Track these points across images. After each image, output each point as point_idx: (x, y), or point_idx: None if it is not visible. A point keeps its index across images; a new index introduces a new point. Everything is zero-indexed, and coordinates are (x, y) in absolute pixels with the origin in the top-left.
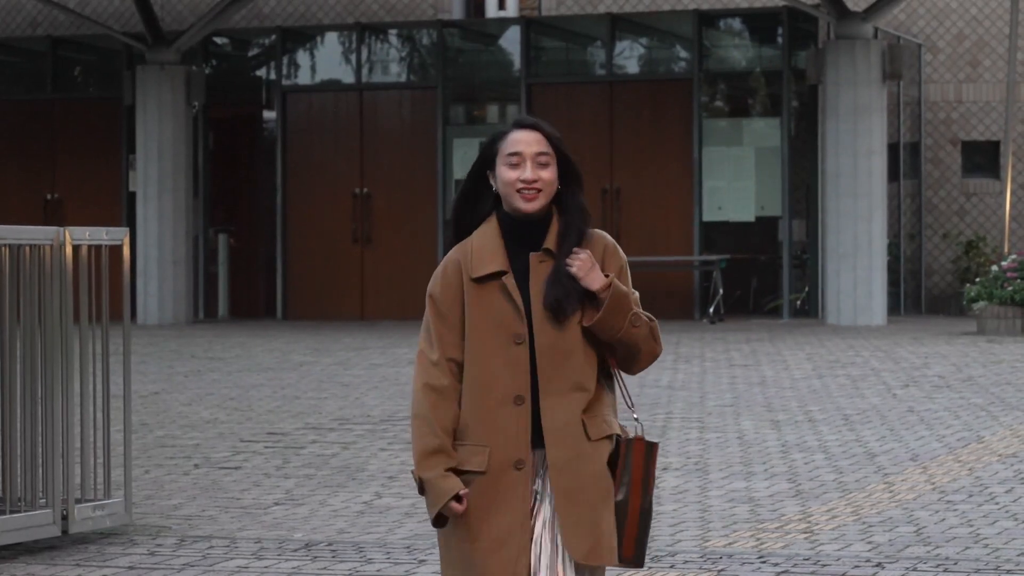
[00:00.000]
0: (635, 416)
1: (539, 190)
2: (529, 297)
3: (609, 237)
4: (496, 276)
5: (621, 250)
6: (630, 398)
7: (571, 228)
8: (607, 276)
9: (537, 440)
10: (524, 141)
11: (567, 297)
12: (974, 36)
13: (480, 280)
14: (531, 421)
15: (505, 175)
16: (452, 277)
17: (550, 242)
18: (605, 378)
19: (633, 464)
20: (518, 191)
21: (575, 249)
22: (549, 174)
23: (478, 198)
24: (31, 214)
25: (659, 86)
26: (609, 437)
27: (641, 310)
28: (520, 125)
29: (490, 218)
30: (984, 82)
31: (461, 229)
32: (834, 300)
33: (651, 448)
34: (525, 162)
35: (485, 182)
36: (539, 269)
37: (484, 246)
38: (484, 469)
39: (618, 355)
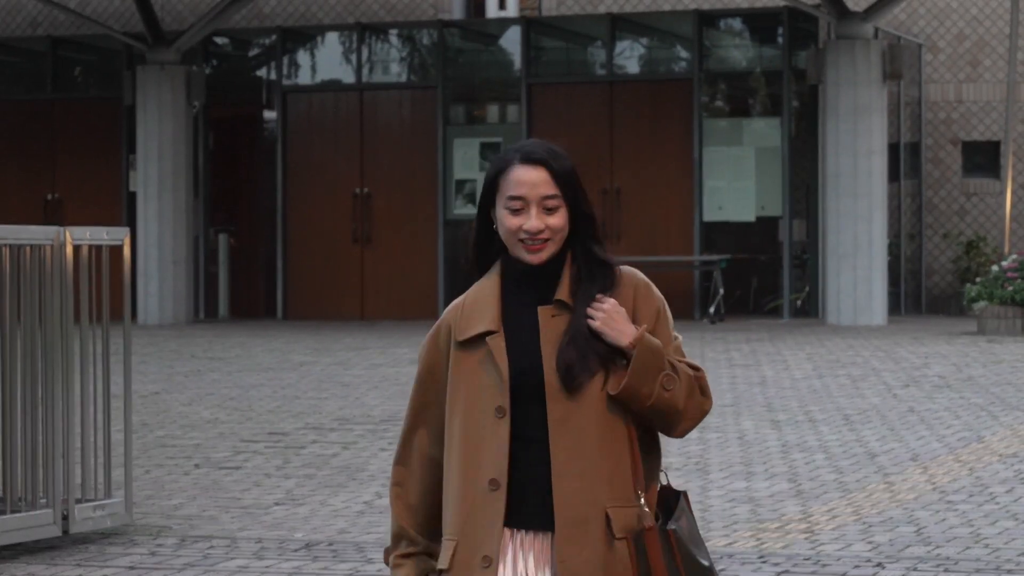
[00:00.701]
0: (640, 495)
1: (546, 239)
2: (540, 359)
3: (640, 275)
4: (483, 338)
5: (656, 289)
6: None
7: (591, 273)
8: (639, 328)
9: (547, 522)
10: (528, 182)
11: (582, 361)
12: (974, 36)
13: (466, 344)
14: (507, 508)
15: (506, 222)
16: (443, 343)
17: (563, 292)
18: (646, 447)
19: (654, 567)
20: (521, 241)
21: (598, 296)
22: (558, 220)
23: (491, 238)
24: (31, 214)
25: (659, 86)
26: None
27: (682, 362)
28: (525, 159)
29: (495, 267)
30: (984, 82)
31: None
32: (834, 300)
33: (669, 536)
34: (529, 208)
35: (489, 231)
36: (551, 325)
37: (477, 302)
38: (447, 566)
39: (655, 423)
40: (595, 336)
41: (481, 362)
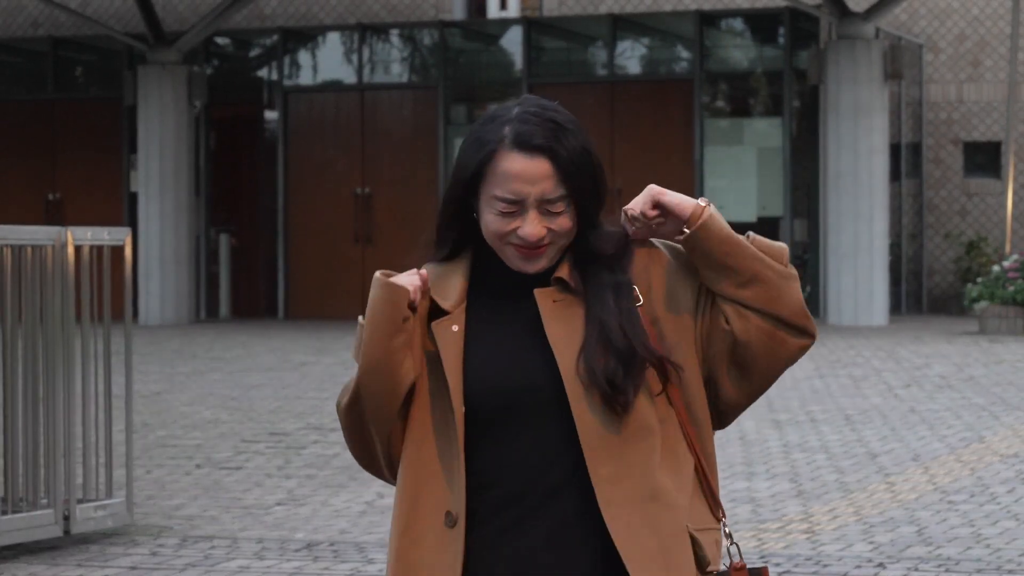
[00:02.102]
0: (723, 522)
1: (548, 243)
2: (541, 360)
3: (665, 244)
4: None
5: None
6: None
7: (598, 244)
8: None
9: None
10: (524, 178)
11: (627, 366)
12: (975, 36)
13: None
14: (464, 554)
15: (492, 225)
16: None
17: (563, 271)
18: (705, 465)
19: None
20: (513, 244)
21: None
22: (564, 222)
23: (462, 223)
24: (33, 214)
25: (660, 86)
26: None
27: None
28: (520, 144)
29: (459, 259)
30: (985, 82)
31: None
32: (835, 300)
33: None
34: (527, 208)
35: (465, 206)
36: (556, 312)
37: (441, 272)
38: None
39: (734, 315)
40: (635, 321)
41: (434, 357)
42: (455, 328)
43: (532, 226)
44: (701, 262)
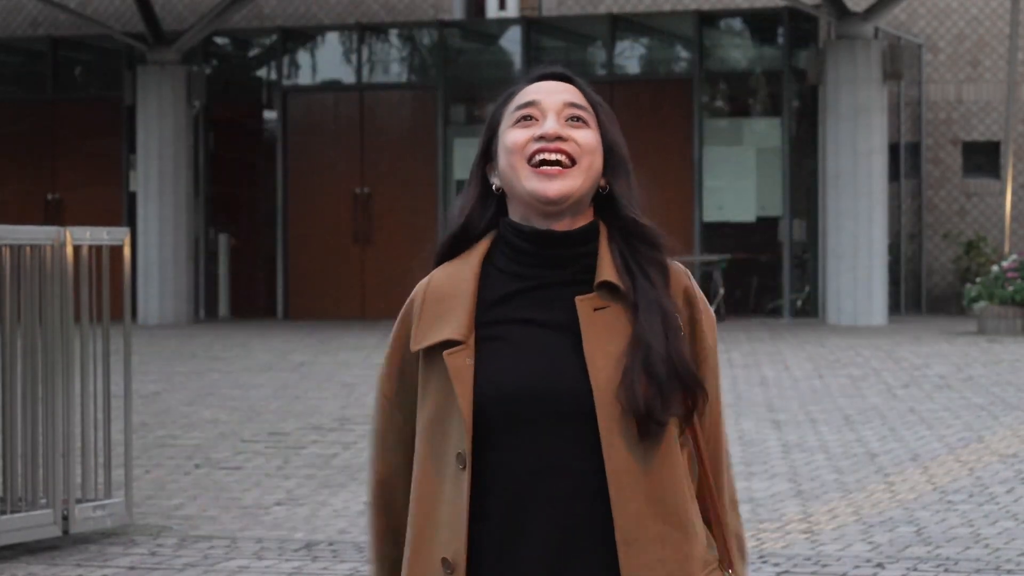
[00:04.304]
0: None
1: (570, 158)
2: (571, 370)
3: (684, 271)
4: (441, 349)
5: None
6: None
7: (641, 252)
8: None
9: None
10: (543, 88)
11: (664, 397)
12: (975, 36)
13: (428, 354)
14: None
15: (511, 138)
16: (400, 343)
17: (608, 270)
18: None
19: None
20: (532, 160)
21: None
22: (587, 137)
23: (478, 218)
24: (32, 214)
25: (660, 86)
26: None
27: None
28: (540, 76)
29: (482, 241)
30: (985, 82)
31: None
32: (835, 300)
33: None
34: (546, 114)
35: (485, 187)
36: (596, 322)
37: (444, 293)
38: None
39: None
40: (680, 351)
41: (442, 386)
42: (468, 361)
43: (551, 123)
44: None
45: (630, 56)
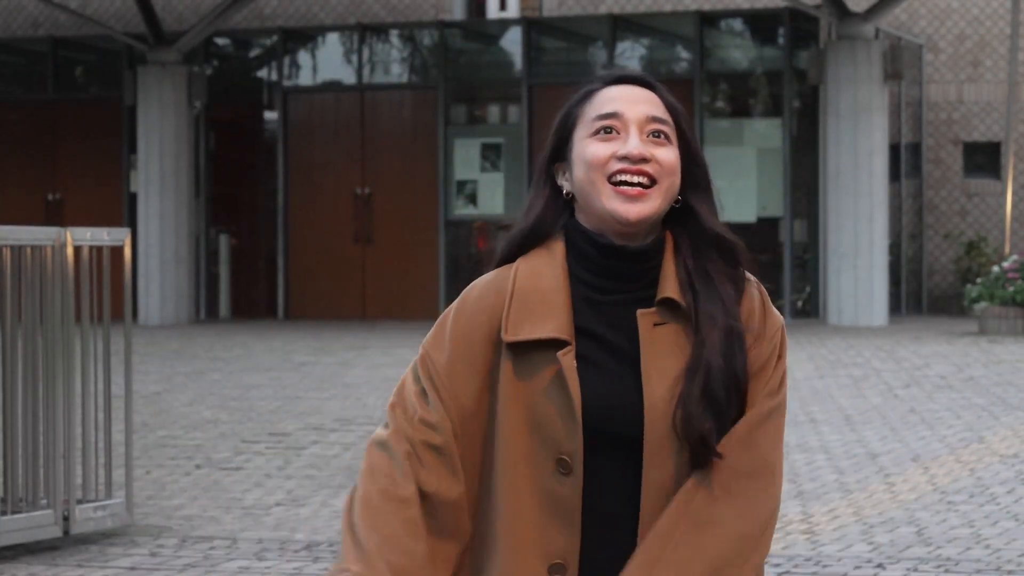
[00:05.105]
0: None
1: (651, 179)
2: (631, 392)
3: (758, 286)
4: (547, 348)
5: (775, 311)
6: None
7: (714, 265)
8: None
9: None
10: (625, 97)
11: (719, 421)
12: (975, 36)
13: (519, 351)
14: None
15: (589, 151)
16: (472, 325)
17: (670, 286)
18: None
19: None
20: (612, 179)
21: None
22: (668, 155)
23: (547, 214)
24: (32, 215)
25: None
26: None
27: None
28: (619, 80)
29: (554, 239)
30: (985, 82)
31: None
32: (835, 300)
33: None
34: (628, 127)
35: (555, 187)
36: (657, 341)
37: (535, 291)
38: None
39: None
40: (737, 374)
41: (541, 384)
42: (574, 362)
43: (635, 142)
44: None
45: (630, 57)
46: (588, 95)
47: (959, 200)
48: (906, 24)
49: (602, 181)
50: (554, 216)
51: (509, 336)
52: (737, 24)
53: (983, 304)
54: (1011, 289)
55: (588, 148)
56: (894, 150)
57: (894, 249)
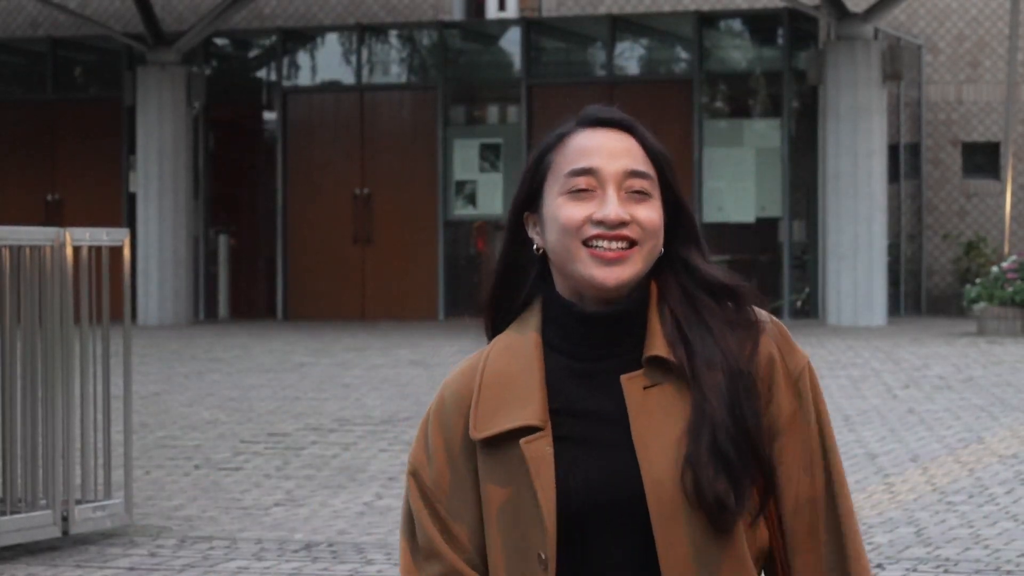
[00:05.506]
0: None
1: (631, 242)
2: (628, 465)
3: (770, 322)
4: (513, 437)
5: (799, 348)
6: None
7: (708, 307)
8: None
9: None
10: (603, 148)
11: (739, 466)
12: (974, 37)
13: (491, 445)
14: None
15: (562, 213)
16: (450, 430)
17: (657, 343)
18: None
19: None
20: (588, 242)
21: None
22: (650, 213)
23: (519, 270)
24: (31, 215)
25: (659, 87)
26: None
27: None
28: (594, 121)
29: (532, 308)
30: (984, 83)
31: (498, 324)
32: (834, 301)
33: None
34: (605, 186)
35: (526, 237)
36: (647, 407)
37: (505, 374)
38: None
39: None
40: (750, 428)
41: (511, 475)
42: (548, 449)
43: (612, 205)
44: None
45: (630, 57)
46: (560, 140)
47: (958, 200)
48: (905, 25)
49: (577, 246)
50: (523, 278)
51: (477, 433)
52: (736, 24)
53: (982, 304)
54: (1010, 289)
55: (561, 210)
56: (893, 150)
57: (893, 250)
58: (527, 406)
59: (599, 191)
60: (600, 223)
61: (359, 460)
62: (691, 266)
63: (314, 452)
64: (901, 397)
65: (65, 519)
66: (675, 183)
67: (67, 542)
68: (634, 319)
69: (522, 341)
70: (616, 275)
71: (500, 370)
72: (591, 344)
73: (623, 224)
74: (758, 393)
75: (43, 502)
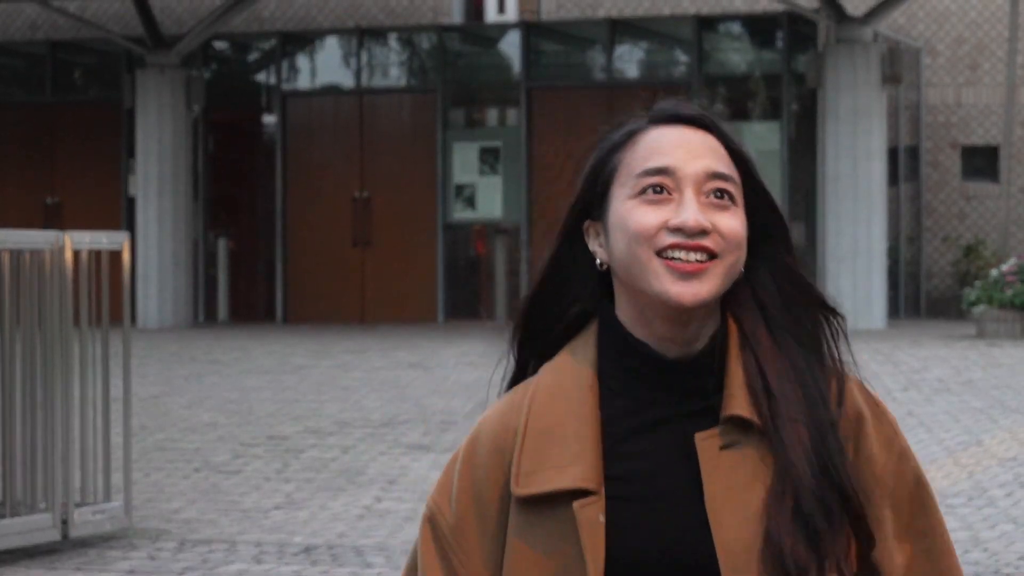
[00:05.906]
0: None
1: (710, 254)
2: (700, 534)
3: (861, 385)
4: (566, 500)
5: (889, 412)
6: None
7: (803, 359)
8: None
9: None
10: (679, 146)
11: (827, 532)
12: (973, 39)
13: (531, 504)
14: None
15: (632, 219)
16: (483, 474)
17: (737, 401)
18: None
19: None
20: (663, 253)
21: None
22: (733, 222)
23: (569, 283)
24: (31, 218)
25: (659, 90)
26: None
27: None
28: (670, 116)
29: (585, 334)
30: (984, 86)
31: (532, 352)
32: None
33: None
34: (683, 188)
35: (583, 249)
36: (722, 466)
37: (552, 414)
38: None
39: None
40: (834, 477)
41: (556, 541)
42: (601, 519)
43: (692, 210)
44: None
45: (629, 60)
46: (630, 137)
47: (957, 203)
48: (904, 27)
49: (649, 256)
50: (580, 291)
51: (520, 489)
52: (735, 28)
53: (981, 307)
54: (1009, 292)
55: (632, 214)
56: (892, 153)
57: (892, 252)
58: (579, 463)
59: (676, 194)
60: (678, 230)
61: (358, 463)
62: (783, 289)
63: (313, 455)
64: (900, 399)
65: (65, 522)
66: (763, 184)
67: (66, 545)
68: (711, 363)
69: (574, 379)
70: (694, 291)
71: (548, 414)
72: (656, 387)
73: (703, 233)
74: (840, 442)
75: (42, 505)
